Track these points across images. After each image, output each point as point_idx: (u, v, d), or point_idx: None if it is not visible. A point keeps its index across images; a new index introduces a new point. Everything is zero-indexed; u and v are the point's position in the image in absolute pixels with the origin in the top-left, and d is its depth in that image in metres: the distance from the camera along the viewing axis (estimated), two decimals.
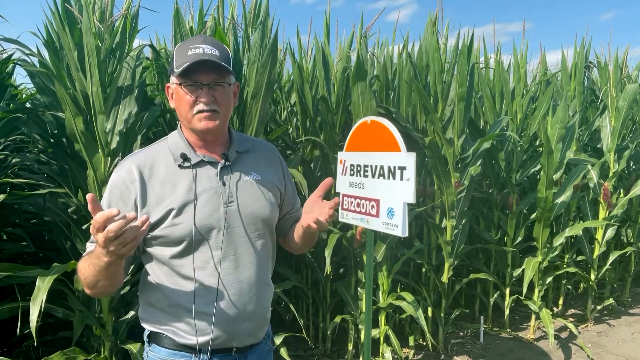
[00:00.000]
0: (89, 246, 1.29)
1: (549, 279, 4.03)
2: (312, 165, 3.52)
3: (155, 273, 1.31)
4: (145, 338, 1.40)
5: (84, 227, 2.62)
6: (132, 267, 2.13)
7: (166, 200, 1.26)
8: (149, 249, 1.31)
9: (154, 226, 1.25)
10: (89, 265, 1.15)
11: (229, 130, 1.42)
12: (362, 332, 3.06)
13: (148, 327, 1.37)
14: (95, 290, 1.21)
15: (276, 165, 1.50)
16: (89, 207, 1.00)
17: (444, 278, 3.57)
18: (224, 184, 1.32)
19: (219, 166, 1.33)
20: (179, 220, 1.25)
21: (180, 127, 1.37)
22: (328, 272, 3.05)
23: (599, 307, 4.48)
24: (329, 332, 3.50)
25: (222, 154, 1.35)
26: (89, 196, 1.00)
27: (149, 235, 1.26)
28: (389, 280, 3.31)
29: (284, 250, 1.63)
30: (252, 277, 1.33)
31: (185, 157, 1.30)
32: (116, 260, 1.08)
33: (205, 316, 1.28)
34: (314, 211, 1.33)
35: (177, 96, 1.30)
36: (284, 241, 1.57)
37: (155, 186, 1.27)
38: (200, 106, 1.26)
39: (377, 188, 2.21)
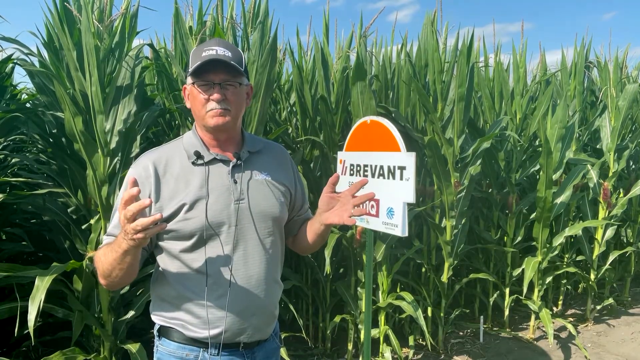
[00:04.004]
0: (106, 239, 1.33)
1: (549, 279, 4.03)
2: (311, 165, 3.52)
3: (167, 267, 1.35)
4: (155, 332, 1.43)
5: (83, 227, 2.63)
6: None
7: (179, 196, 1.30)
8: (161, 243, 1.34)
9: (167, 220, 1.29)
10: (108, 252, 1.20)
11: (242, 131, 1.47)
12: (362, 332, 3.06)
13: (158, 321, 1.41)
14: (109, 281, 1.25)
15: (287, 167, 1.53)
16: (128, 187, 1.07)
17: (444, 278, 3.57)
18: (235, 182, 1.36)
19: (231, 164, 1.37)
20: (190, 215, 1.29)
21: (195, 127, 1.42)
22: (328, 272, 3.05)
23: (598, 307, 4.48)
24: (328, 332, 3.50)
25: (234, 153, 1.39)
26: (131, 179, 1.10)
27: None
28: (388, 280, 3.31)
29: (287, 250, 1.64)
30: (261, 272, 1.36)
31: (198, 155, 1.34)
32: (133, 249, 1.13)
33: (215, 310, 1.31)
34: (332, 207, 1.39)
35: (192, 96, 1.35)
36: (293, 242, 1.60)
37: (169, 182, 1.32)
38: (212, 104, 1.31)
39: (377, 188, 2.20)
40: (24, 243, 2.84)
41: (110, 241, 1.26)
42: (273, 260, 1.41)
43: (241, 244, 1.34)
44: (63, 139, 2.76)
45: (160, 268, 1.38)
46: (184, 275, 1.32)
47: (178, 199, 1.29)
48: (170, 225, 1.29)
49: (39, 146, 3.06)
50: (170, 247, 1.32)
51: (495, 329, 4.15)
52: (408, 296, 3.20)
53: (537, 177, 4.25)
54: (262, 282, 1.37)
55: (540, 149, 3.91)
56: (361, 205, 1.35)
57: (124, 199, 1.05)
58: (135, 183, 1.08)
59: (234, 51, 1.35)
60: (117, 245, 1.15)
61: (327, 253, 2.96)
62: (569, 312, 4.65)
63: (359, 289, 3.33)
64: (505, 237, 4.09)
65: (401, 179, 2.10)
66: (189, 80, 1.34)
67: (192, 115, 1.40)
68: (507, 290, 4.09)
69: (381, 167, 2.21)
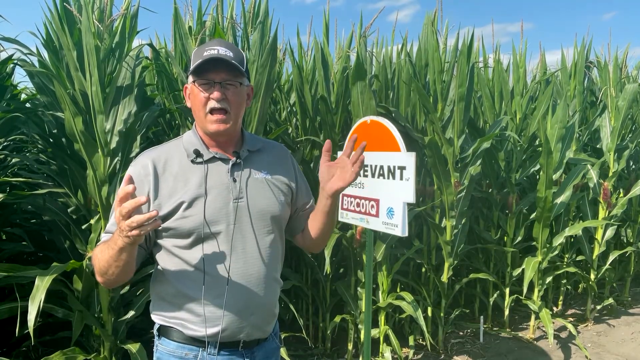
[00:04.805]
0: (104, 236, 1.34)
1: (549, 279, 4.03)
2: (311, 165, 3.52)
3: (166, 265, 1.35)
4: (155, 331, 1.43)
5: (83, 226, 2.63)
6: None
7: (178, 194, 1.30)
8: (159, 241, 1.34)
9: (165, 218, 1.29)
10: (105, 249, 1.21)
11: (241, 130, 1.47)
12: (362, 332, 3.06)
13: (158, 321, 1.41)
14: (106, 278, 1.26)
15: (287, 165, 1.53)
16: (122, 184, 1.08)
17: (444, 278, 3.57)
18: (235, 181, 1.36)
19: (230, 163, 1.37)
20: (189, 213, 1.29)
21: (196, 126, 1.42)
22: (328, 272, 3.05)
23: (598, 307, 4.49)
24: (328, 332, 3.50)
25: (233, 151, 1.39)
26: (127, 176, 1.10)
27: (160, 227, 1.30)
28: (388, 280, 3.31)
29: (287, 250, 1.62)
30: (260, 271, 1.36)
31: (198, 153, 1.35)
32: (128, 246, 1.13)
33: (214, 308, 1.31)
34: (334, 174, 1.36)
35: (192, 94, 1.35)
36: (303, 238, 1.56)
37: (169, 180, 1.32)
38: (212, 103, 1.31)
39: (377, 188, 2.21)
40: (24, 243, 2.84)
41: (107, 239, 1.26)
42: (272, 258, 1.41)
43: (240, 243, 1.34)
44: (63, 139, 2.76)
45: (159, 266, 1.38)
46: (182, 273, 1.32)
47: (177, 197, 1.29)
48: (168, 223, 1.29)
49: (39, 146, 3.06)
50: (169, 245, 1.32)
51: (495, 329, 4.15)
52: (408, 296, 3.20)
53: (537, 177, 4.25)
54: (262, 280, 1.36)
55: (540, 149, 3.91)
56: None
57: (119, 195, 1.05)
58: (130, 180, 1.08)
59: (236, 51, 1.35)
60: (113, 243, 1.15)
61: (327, 253, 2.96)
62: (569, 312, 4.65)
63: (359, 289, 3.33)
64: (505, 237, 4.09)
65: (401, 179, 2.10)
66: (190, 79, 1.35)
67: (192, 115, 1.41)
68: (507, 290, 4.09)
69: (381, 167, 2.21)
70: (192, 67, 1.31)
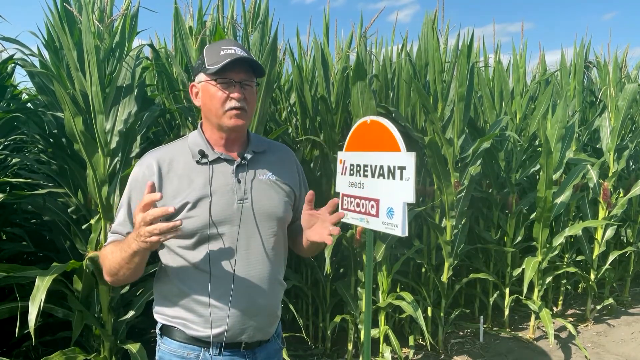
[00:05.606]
0: (111, 236, 1.35)
1: (549, 279, 4.03)
2: (311, 165, 3.52)
3: (169, 265, 1.35)
4: (157, 331, 1.44)
5: (83, 227, 2.63)
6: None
7: (182, 194, 1.30)
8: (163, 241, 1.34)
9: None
10: (116, 251, 1.22)
11: (247, 131, 1.48)
12: (362, 332, 3.06)
13: (160, 320, 1.41)
14: (116, 278, 1.28)
15: (292, 168, 1.53)
16: (146, 191, 1.09)
17: (444, 278, 3.57)
18: (239, 182, 1.36)
19: (235, 164, 1.37)
20: (193, 214, 1.29)
21: (201, 126, 1.43)
22: (328, 272, 3.05)
23: (598, 307, 4.49)
24: (328, 332, 3.50)
25: (239, 152, 1.39)
26: (149, 183, 1.12)
27: None
28: (388, 280, 3.31)
29: (288, 250, 1.63)
30: (263, 272, 1.36)
31: (203, 154, 1.35)
32: (143, 251, 1.14)
33: (216, 309, 1.31)
34: (314, 225, 1.36)
35: (207, 93, 1.34)
36: (293, 243, 1.58)
37: (173, 180, 1.32)
38: (233, 102, 1.32)
39: (377, 188, 2.21)
40: (24, 243, 2.84)
41: (115, 239, 1.27)
42: (276, 260, 1.41)
43: (244, 244, 1.34)
44: (63, 139, 2.76)
45: (163, 266, 1.38)
46: (186, 273, 1.33)
47: (181, 197, 1.30)
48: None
49: (40, 146, 3.06)
50: (173, 244, 1.33)
51: (495, 329, 4.15)
52: (408, 296, 3.20)
53: (537, 177, 4.25)
54: (265, 282, 1.37)
55: (540, 149, 3.91)
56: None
57: (144, 201, 1.06)
58: (153, 187, 1.10)
59: (249, 53, 1.37)
60: (127, 246, 1.16)
61: (327, 253, 2.96)
62: (569, 312, 4.65)
63: (359, 289, 3.33)
64: (505, 237, 4.09)
65: (401, 179, 2.10)
66: (204, 77, 1.34)
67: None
68: (507, 290, 4.09)
69: (381, 167, 2.21)
70: (209, 66, 1.31)
